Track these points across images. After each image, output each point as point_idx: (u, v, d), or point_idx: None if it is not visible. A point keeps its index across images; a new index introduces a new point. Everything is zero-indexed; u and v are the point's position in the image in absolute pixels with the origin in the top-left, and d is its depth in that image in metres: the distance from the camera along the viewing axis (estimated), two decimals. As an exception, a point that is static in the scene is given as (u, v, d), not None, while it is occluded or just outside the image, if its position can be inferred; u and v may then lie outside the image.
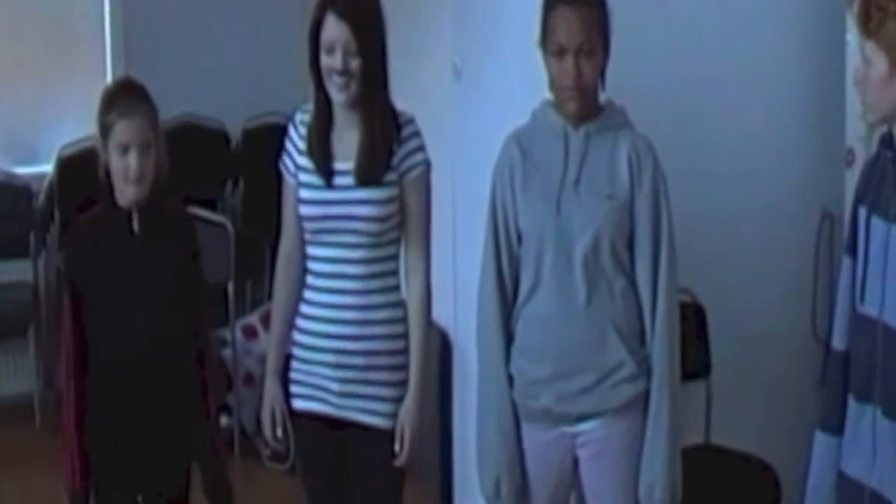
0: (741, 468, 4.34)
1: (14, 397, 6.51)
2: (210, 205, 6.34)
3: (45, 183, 6.66)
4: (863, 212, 2.95)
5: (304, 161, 3.52)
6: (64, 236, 3.45)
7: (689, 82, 4.39)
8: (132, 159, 3.43)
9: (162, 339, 3.57)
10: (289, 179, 3.57)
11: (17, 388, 6.51)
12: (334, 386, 3.52)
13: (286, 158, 3.58)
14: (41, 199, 6.66)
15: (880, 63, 2.80)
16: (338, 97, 3.43)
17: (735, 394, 4.49)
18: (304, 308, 3.58)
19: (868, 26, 2.81)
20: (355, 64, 3.37)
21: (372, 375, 3.52)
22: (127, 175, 3.45)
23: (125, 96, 3.51)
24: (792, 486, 4.26)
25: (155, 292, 3.56)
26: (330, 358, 3.51)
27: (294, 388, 3.61)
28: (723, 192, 4.47)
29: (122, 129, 3.42)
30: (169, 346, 3.59)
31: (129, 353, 3.50)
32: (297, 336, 3.59)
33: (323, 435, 3.58)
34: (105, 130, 3.44)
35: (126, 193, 3.48)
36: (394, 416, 3.54)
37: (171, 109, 6.61)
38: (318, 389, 3.55)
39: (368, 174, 3.44)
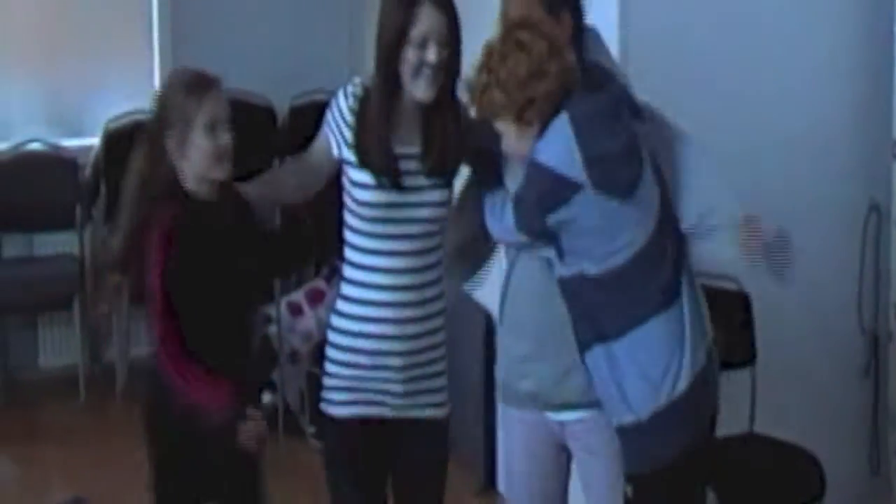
0: (785, 458, 4.34)
1: (59, 370, 6.58)
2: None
3: (92, 156, 6.71)
4: None
5: (351, 155, 3.35)
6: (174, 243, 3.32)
7: (737, 74, 4.38)
8: (224, 134, 3.33)
9: (250, 309, 3.59)
10: (329, 139, 3.39)
11: (63, 360, 6.58)
12: (398, 388, 3.39)
13: (335, 125, 3.37)
14: (87, 171, 6.70)
15: (509, 127, 3.09)
16: (426, 93, 3.23)
17: (780, 383, 4.49)
18: (357, 310, 3.39)
19: (486, 112, 3.11)
20: (445, 55, 3.21)
21: (434, 368, 3.45)
22: (220, 152, 3.33)
23: (196, 78, 3.39)
24: (836, 477, 4.28)
25: (248, 272, 3.50)
26: (396, 361, 3.37)
27: (343, 396, 3.43)
28: (770, 183, 4.45)
29: (212, 106, 3.32)
30: (251, 314, 3.61)
31: (218, 332, 3.41)
32: (354, 342, 3.39)
33: (374, 438, 3.45)
34: (186, 117, 3.30)
35: (216, 173, 3.35)
36: (445, 404, 3.50)
37: (217, 85, 6.73)
38: (378, 394, 3.41)
39: (450, 166, 3.33)
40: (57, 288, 6.46)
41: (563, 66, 3.05)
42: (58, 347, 6.63)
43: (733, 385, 4.43)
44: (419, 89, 3.23)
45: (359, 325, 3.36)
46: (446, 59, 3.21)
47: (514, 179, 3.23)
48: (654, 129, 3.19)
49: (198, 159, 3.32)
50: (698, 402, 3.10)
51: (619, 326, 3.08)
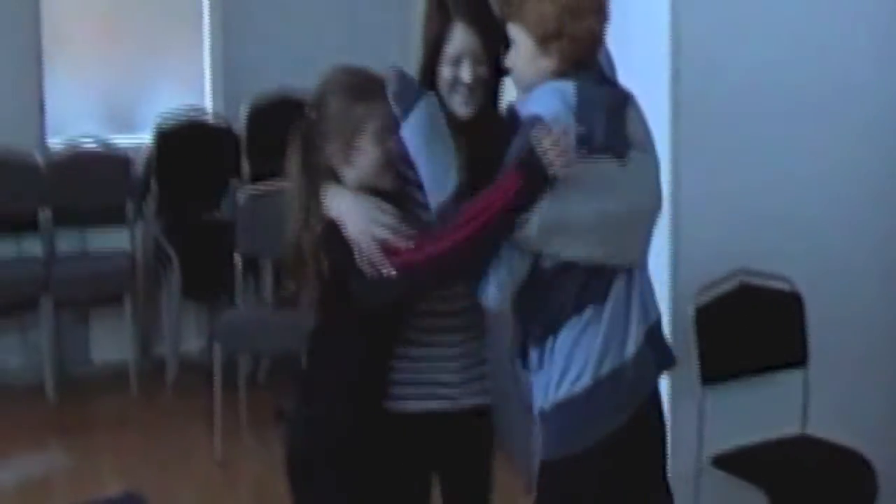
0: (838, 460, 4.30)
1: (111, 364, 6.66)
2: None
3: (143, 152, 6.76)
4: None
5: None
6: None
7: (792, 77, 4.35)
8: (391, 141, 3.15)
9: None
10: None
11: (114, 354, 6.64)
12: (455, 378, 3.36)
13: None
14: (139, 168, 6.75)
15: (525, 42, 3.00)
16: (464, 110, 3.15)
17: (833, 384, 4.46)
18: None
19: (509, 10, 3.02)
20: (481, 72, 3.13)
21: (482, 355, 3.42)
22: (389, 159, 3.16)
23: (364, 82, 3.20)
24: (889, 480, 4.24)
25: None
26: (452, 351, 3.35)
27: (406, 390, 3.36)
28: (824, 182, 4.43)
29: (382, 112, 3.13)
30: None
31: None
32: (412, 334, 3.34)
33: (426, 430, 3.38)
34: (354, 123, 3.13)
35: (382, 181, 3.18)
36: (489, 391, 3.44)
37: (268, 82, 6.76)
38: (436, 386, 3.35)
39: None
40: (109, 283, 6.52)
41: (594, 26, 2.99)
42: (109, 342, 6.69)
43: (786, 386, 4.44)
44: (456, 106, 3.16)
45: (417, 319, 3.32)
46: (484, 75, 3.15)
47: None
48: None
49: (365, 166, 3.17)
50: (602, 402, 3.01)
51: (549, 324, 3.03)
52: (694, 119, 4.23)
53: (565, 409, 3.03)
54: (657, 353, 3.11)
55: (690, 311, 4.27)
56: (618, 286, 3.03)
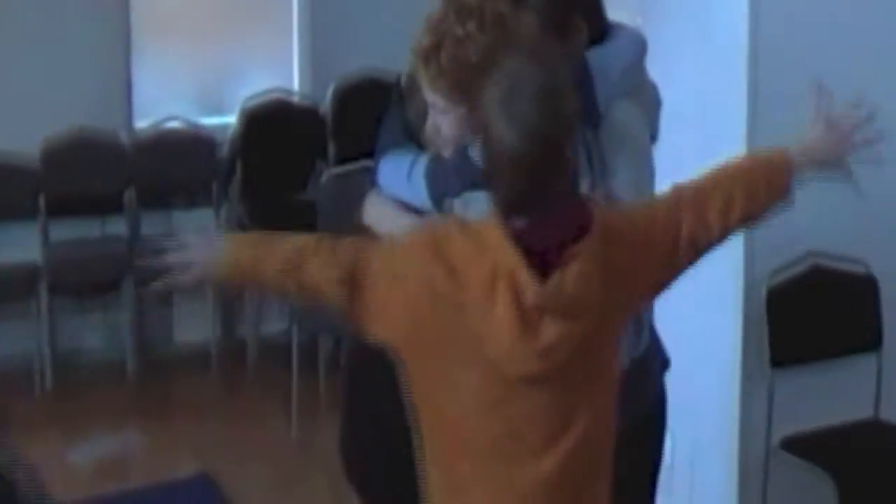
0: (908, 445, 4.39)
1: (192, 345, 6.87)
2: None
3: (229, 133, 7.02)
4: None
5: None
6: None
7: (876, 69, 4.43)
8: None
9: None
10: None
11: (196, 336, 6.86)
12: None
13: None
14: (225, 149, 7.00)
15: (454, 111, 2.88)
16: None
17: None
18: None
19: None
20: None
21: None
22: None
23: None
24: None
25: None
26: None
27: None
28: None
29: None
30: None
31: None
32: None
33: None
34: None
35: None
36: None
37: (354, 63, 6.97)
38: None
39: None
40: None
41: None
42: (192, 323, 6.91)
43: (859, 371, 4.54)
44: None
45: None
46: None
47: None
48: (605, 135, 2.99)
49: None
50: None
51: None
52: (768, 100, 4.34)
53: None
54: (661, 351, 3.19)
55: (763, 293, 4.39)
56: None
